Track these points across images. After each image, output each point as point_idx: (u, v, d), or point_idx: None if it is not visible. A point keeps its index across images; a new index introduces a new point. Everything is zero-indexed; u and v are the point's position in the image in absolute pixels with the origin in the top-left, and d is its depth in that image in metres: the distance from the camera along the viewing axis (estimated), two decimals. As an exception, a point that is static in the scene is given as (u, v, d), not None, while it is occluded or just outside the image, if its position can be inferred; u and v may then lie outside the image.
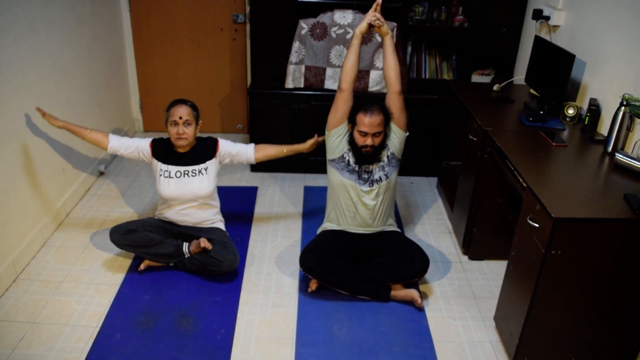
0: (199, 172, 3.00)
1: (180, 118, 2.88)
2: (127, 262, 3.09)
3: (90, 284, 2.92)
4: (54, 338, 2.55)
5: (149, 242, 2.92)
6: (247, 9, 4.32)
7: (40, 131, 3.20)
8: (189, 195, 3.00)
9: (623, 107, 2.54)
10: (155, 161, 3.01)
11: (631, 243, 2.11)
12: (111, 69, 4.31)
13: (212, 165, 3.04)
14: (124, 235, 2.93)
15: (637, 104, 2.13)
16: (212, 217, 3.13)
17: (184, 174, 2.98)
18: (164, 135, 3.03)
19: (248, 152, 3.12)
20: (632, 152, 2.56)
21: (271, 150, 3.16)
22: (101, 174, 4.10)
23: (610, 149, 2.64)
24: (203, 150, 3.04)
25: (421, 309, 2.83)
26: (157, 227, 3.03)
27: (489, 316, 2.80)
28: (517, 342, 2.36)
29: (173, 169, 2.98)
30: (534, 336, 2.33)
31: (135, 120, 4.89)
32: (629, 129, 2.59)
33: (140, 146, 3.02)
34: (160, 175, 2.99)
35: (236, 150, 3.09)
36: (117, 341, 2.55)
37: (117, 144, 3.01)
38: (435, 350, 2.58)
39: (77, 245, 3.25)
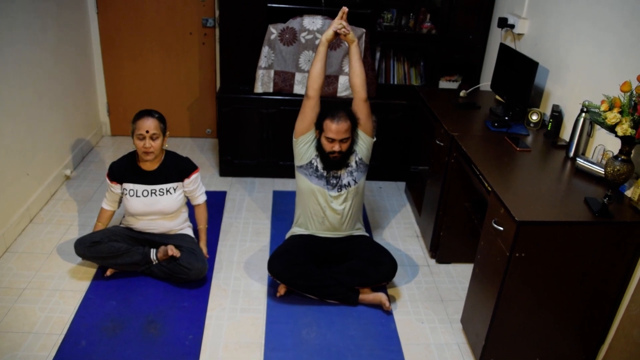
0: (167, 191, 2.96)
1: (147, 132, 2.82)
2: (93, 268, 3.04)
3: (54, 291, 2.86)
4: (16, 347, 2.49)
5: (115, 253, 2.87)
6: (217, 13, 4.30)
7: (2, 133, 3.12)
8: (157, 212, 2.97)
9: (583, 114, 2.62)
10: (120, 185, 2.97)
11: (591, 245, 2.18)
12: (78, 71, 4.24)
13: (179, 187, 3.01)
14: (89, 248, 2.87)
15: (596, 110, 2.19)
16: (180, 225, 3.10)
17: (151, 192, 2.94)
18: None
19: (196, 199, 3.13)
20: (592, 157, 2.63)
21: (199, 215, 3.18)
22: (67, 178, 4.02)
23: (571, 154, 2.72)
24: (174, 170, 2.99)
25: (389, 313, 2.85)
26: (123, 235, 2.98)
27: (456, 318, 2.84)
28: (484, 344, 2.40)
29: (140, 187, 2.93)
30: (500, 337, 2.38)
31: (102, 123, 4.81)
32: (589, 135, 2.67)
33: (112, 189, 2.99)
34: (126, 194, 2.95)
35: (192, 191, 3.07)
36: (83, 348, 2.50)
37: (113, 201, 3.06)
38: (404, 353, 2.61)
39: (42, 251, 3.18)
